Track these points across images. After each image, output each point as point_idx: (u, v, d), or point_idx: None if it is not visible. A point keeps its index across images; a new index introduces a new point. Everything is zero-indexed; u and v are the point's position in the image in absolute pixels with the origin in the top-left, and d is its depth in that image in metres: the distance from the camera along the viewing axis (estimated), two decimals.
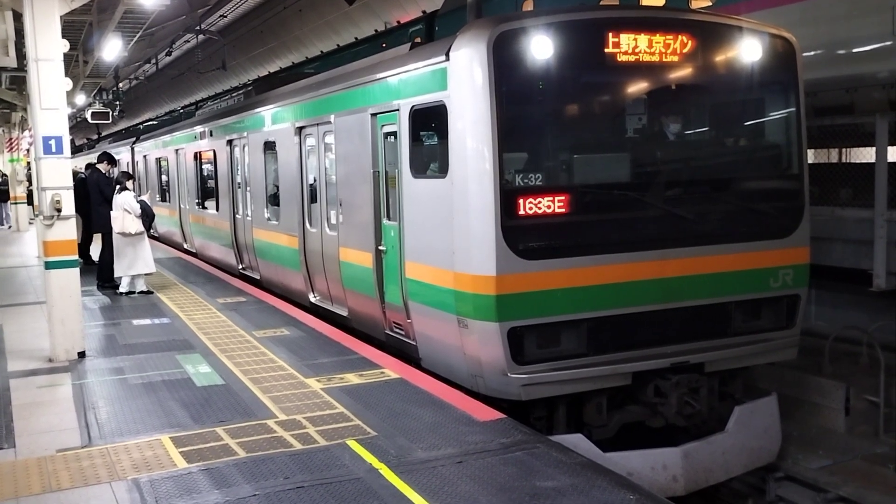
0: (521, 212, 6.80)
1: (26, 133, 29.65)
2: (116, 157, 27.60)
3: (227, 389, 7.53)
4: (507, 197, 6.76)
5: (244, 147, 14.00)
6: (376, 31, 23.59)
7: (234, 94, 17.79)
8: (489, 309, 6.81)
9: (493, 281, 6.75)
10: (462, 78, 6.98)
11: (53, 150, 8.56)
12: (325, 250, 10.40)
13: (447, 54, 7.13)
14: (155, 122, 31.71)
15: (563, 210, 6.93)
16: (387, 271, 8.65)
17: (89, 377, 8.12)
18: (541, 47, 6.86)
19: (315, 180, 10.94)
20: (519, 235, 6.80)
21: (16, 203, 27.18)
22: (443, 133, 7.26)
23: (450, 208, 7.14)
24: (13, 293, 13.71)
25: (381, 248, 8.73)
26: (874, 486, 7.69)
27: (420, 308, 7.89)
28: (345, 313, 10.02)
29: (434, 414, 6.70)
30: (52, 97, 8.53)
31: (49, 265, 8.74)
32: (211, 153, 16.28)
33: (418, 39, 8.79)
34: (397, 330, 8.60)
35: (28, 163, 29.79)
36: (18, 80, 20.16)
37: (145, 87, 39.07)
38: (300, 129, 11.11)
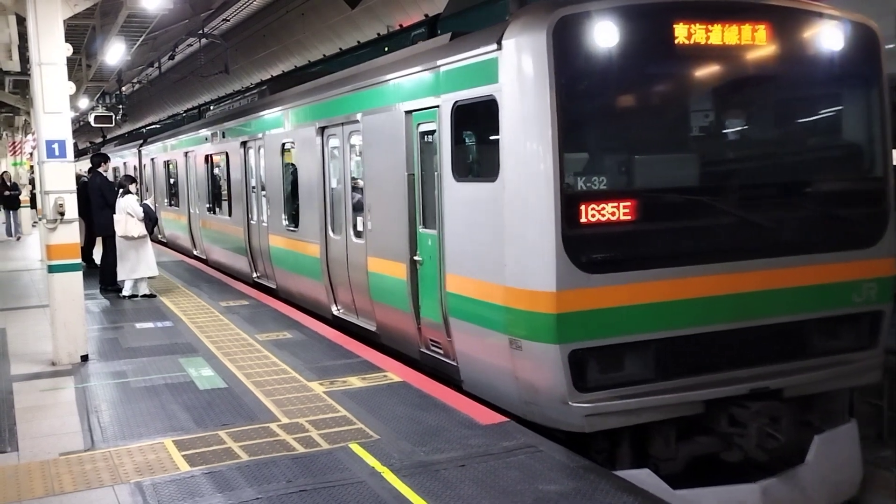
0: (584, 219, 6.08)
1: (29, 137, 29.75)
2: (122, 161, 27.64)
3: (230, 393, 7.53)
4: (569, 203, 6.05)
5: (259, 149, 13.39)
6: (378, 34, 23.61)
7: (246, 94, 17.08)
8: (548, 329, 6.12)
9: (553, 297, 6.05)
10: (517, 69, 6.28)
11: (57, 153, 8.59)
12: (351, 259, 9.75)
13: (499, 42, 6.44)
14: (158, 126, 31.79)
15: (630, 217, 6.20)
16: (423, 284, 7.97)
17: (92, 380, 8.13)
18: (606, 34, 6.14)
19: (338, 184, 10.27)
20: (581, 246, 6.10)
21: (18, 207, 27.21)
22: (492, 131, 6.56)
23: (500, 215, 6.46)
24: (16, 296, 13.73)
25: (416, 258, 8.05)
26: (877, 489, 7.68)
27: (463, 326, 7.21)
28: (373, 328, 9.34)
29: (436, 417, 6.69)
30: (55, 101, 8.56)
31: (52, 269, 8.76)
32: (223, 156, 15.70)
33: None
34: (435, 348, 7.91)
35: (31, 166, 29.88)
36: (22, 83, 20.25)
37: (148, 90, 39.13)
38: (322, 129, 10.47)
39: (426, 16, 21.10)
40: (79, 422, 6.85)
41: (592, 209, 6.10)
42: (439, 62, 7.45)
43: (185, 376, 8.13)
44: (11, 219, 25.29)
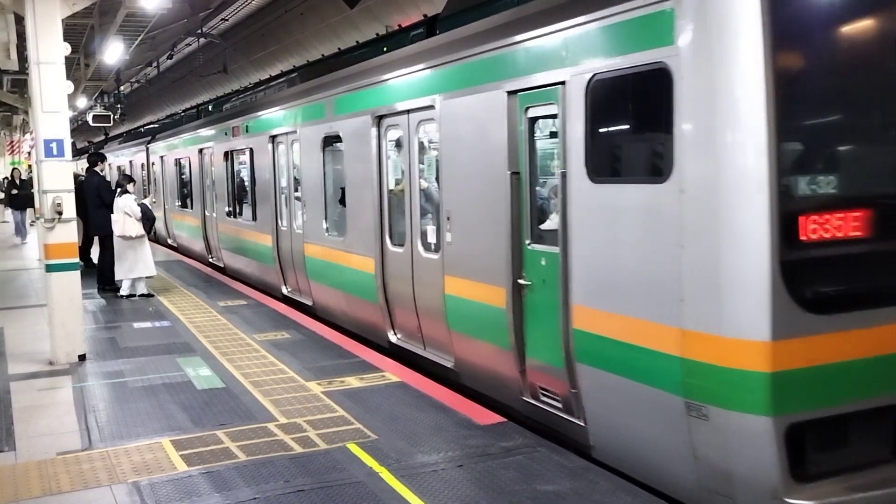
0: (809, 237, 4.43)
1: (28, 136, 29.74)
2: (128, 160, 27.51)
3: (228, 392, 7.53)
4: (788, 214, 4.39)
5: (293, 143, 11.70)
6: (377, 34, 23.62)
7: (271, 84, 15.68)
8: (757, 394, 4.44)
9: (766, 349, 4.38)
10: (708, 24, 4.54)
11: (55, 153, 8.60)
12: (419, 278, 8.15)
13: None
14: (158, 126, 31.79)
15: (873, 234, 4.58)
16: (531, 315, 6.38)
17: (90, 380, 8.12)
18: None
19: (399, 185, 8.75)
20: (807, 275, 4.48)
21: None
22: (659, 113, 4.87)
23: (674, 230, 4.79)
24: (14, 296, 13.72)
25: (522, 281, 6.46)
26: None
27: (601, 376, 5.54)
28: (449, 364, 7.75)
29: (435, 417, 6.69)
30: (53, 100, 8.56)
31: (50, 268, 8.77)
32: (247, 152, 13.97)
33: None
34: (548, 399, 6.32)
35: (29, 166, 29.85)
36: (20, 83, 20.27)
37: (146, 90, 39.15)
38: (379, 118, 8.83)
39: (425, 16, 21.11)
40: (76, 421, 6.84)
41: (821, 223, 4.47)
42: (564, 24, 5.72)
43: (182, 376, 8.13)
44: (19, 218, 24.88)
